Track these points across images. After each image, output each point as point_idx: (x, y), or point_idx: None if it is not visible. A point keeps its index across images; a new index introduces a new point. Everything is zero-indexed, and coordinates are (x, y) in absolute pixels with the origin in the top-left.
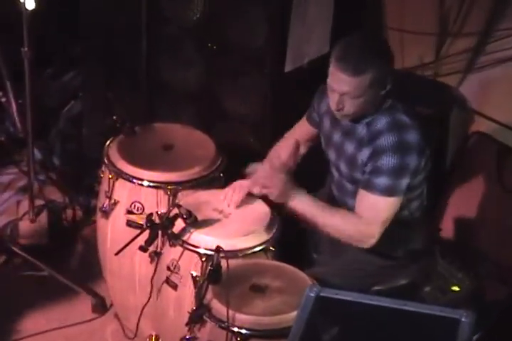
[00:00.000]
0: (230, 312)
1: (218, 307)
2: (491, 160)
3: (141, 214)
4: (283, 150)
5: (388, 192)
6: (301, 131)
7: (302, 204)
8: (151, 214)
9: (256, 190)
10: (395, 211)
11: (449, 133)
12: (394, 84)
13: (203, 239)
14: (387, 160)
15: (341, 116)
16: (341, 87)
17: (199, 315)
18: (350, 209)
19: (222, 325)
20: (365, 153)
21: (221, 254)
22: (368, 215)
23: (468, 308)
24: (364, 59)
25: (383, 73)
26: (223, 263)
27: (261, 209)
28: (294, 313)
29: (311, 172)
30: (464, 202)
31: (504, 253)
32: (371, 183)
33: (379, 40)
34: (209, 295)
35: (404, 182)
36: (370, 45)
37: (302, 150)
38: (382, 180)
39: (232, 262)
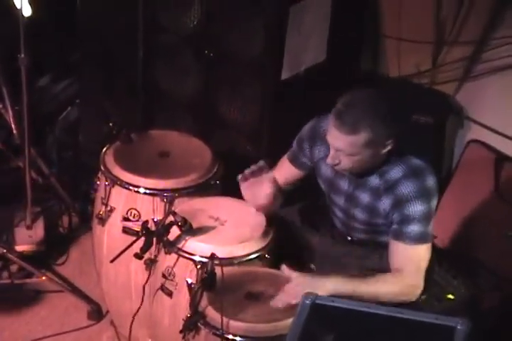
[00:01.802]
0: (225, 319)
1: (213, 315)
2: (488, 169)
3: (137, 221)
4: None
5: (422, 239)
6: (286, 172)
7: (337, 290)
8: (146, 222)
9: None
10: (429, 256)
11: (445, 142)
12: (399, 138)
13: (198, 247)
14: (415, 208)
15: (340, 170)
16: (336, 143)
17: (193, 322)
18: (358, 238)
19: (217, 333)
20: (386, 202)
21: (216, 261)
22: (410, 268)
23: (464, 316)
24: (360, 119)
25: (381, 135)
26: (218, 270)
27: (256, 216)
28: (289, 321)
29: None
30: (461, 209)
31: (500, 262)
32: (404, 233)
33: (382, 99)
34: (204, 302)
35: (431, 226)
36: (371, 106)
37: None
38: (414, 228)
39: (227, 270)
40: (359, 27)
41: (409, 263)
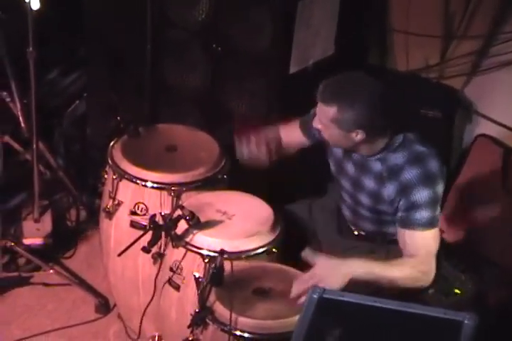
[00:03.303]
0: (233, 315)
1: (221, 311)
2: (496, 163)
3: (144, 215)
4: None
5: (430, 224)
6: (292, 135)
7: (357, 273)
8: (154, 216)
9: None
10: (439, 241)
11: (453, 136)
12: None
13: (206, 241)
14: (420, 194)
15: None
16: (317, 106)
17: (202, 317)
18: (365, 231)
19: (225, 329)
20: (390, 189)
21: (224, 256)
22: (421, 253)
23: (471, 311)
24: (334, 95)
25: (346, 119)
26: (227, 265)
27: (264, 210)
28: (297, 317)
29: (312, 176)
30: (468, 204)
31: (508, 257)
32: (412, 220)
33: (375, 91)
34: (212, 297)
35: (439, 210)
36: (354, 89)
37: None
38: (422, 214)
39: (236, 265)
40: (367, 21)
41: (421, 249)
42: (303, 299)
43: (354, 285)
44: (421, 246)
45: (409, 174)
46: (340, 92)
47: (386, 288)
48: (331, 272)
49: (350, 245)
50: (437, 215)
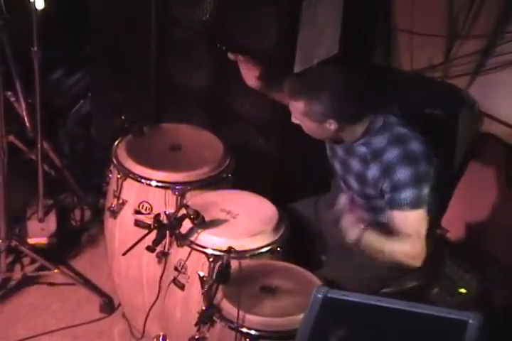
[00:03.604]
0: (240, 312)
1: (228, 308)
2: (500, 162)
3: (149, 214)
4: None
5: (416, 204)
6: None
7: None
8: (158, 215)
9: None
10: (426, 222)
11: (457, 135)
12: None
13: (211, 240)
14: (402, 174)
15: None
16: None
17: (209, 315)
18: (363, 220)
19: (232, 326)
20: (373, 170)
21: (232, 254)
22: (409, 232)
23: (476, 310)
24: (300, 89)
25: (315, 111)
26: (233, 263)
27: (268, 209)
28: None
29: (316, 175)
30: (473, 204)
31: None
32: (396, 201)
33: (342, 79)
34: (219, 295)
35: (426, 190)
36: (318, 81)
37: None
38: (405, 194)
39: (243, 263)
40: (372, 20)
41: (410, 228)
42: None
43: (358, 283)
44: (410, 227)
45: (391, 154)
46: (305, 86)
47: (380, 259)
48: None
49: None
50: (424, 195)
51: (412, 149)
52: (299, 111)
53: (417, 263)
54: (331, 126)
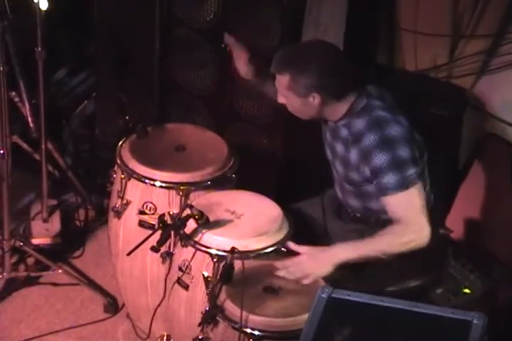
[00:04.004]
0: (244, 313)
1: (232, 308)
2: (504, 162)
3: (153, 214)
4: None
5: (403, 185)
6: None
7: (349, 254)
8: (163, 215)
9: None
10: (422, 196)
11: (461, 135)
12: (338, 91)
13: (215, 240)
14: (379, 159)
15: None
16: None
17: (212, 315)
18: (354, 209)
19: (235, 326)
20: (354, 154)
21: (235, 255)
22: (407, 215)
23: (480, 310)
24: (285, 62)
25: (300, 83)
26: (237, 263)
27: (273, 210)
28: (307, 315)
29: (320, 175)
30: (477, 204)
31: None
32: (382, 186)
33: (326, 52)
34: (223, 295)
35: (410, 171)
36: (302, 53)
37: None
38: (388, 178)
39: (246, 263)
40: (376, 20)
41: (404, 211)
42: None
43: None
44: (403, 209)
45: (368, 140)
46: (290, 60)
47: (385, 257)
48: (316, 261)
49: (349, 228)
50: (409, 175)
51: (389, 133)
52: (283, 86)
53: (422, 242)
54: (315, 99)
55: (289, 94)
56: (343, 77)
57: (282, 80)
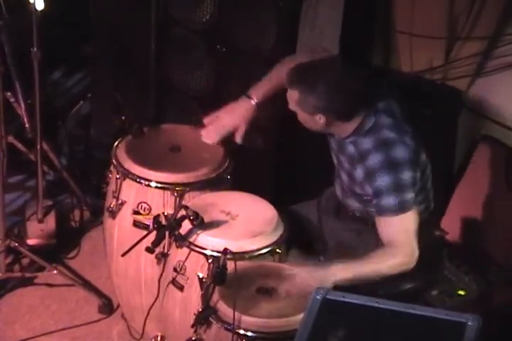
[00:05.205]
0: (237, 314)
1: (224, 310)
2: (499, 164)
3: (147, 214)
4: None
5: (400, 209)
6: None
7: (340, 279)
8: (158, 216)
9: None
10: (417, 221)
11: (457, 137)
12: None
13: (210, 241)
14: (382, 180)
15: None
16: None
17: (205, 316)
18: (353, 210)
19: (228, 327)
20: (359, 172)
21: (228, 256)
22: (400, 238)
23: (475, 312)
24: (298, 78)
25: (308, 102)
26: (230, 265)
27: (268, 211)
28: (301, 316)
29: (315, 176)
30: (472, 205)
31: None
32: (381, 207)
33: (342, 75)
34: (215, 297)
35: (409, 195)
36: (318, 73)
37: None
38: (388, 201)
39: (239, 264)
40: (372, 22)
41: (398, 234)
42: None
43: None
44: (396, 231)
45: (373, 160)
46: (302, 77)
47: (374, 279)
48: (312, 286)
49: (346, 227)
50: (408, 199)
51: (395, 156)
52: (293, 100)
53: (409, 267)
54: (321, 120)
55: (297, 108)
56: (352, 98)
57: (292, 95)
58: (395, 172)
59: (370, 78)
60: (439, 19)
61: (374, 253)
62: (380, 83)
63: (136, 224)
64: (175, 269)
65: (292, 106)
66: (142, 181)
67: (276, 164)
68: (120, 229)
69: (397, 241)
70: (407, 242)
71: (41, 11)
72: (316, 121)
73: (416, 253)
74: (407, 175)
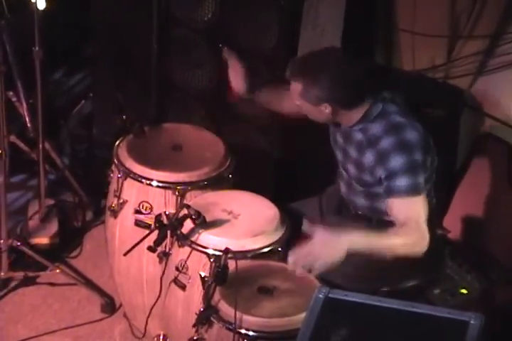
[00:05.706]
0: (238, 313)
1: (226, 309)
2: (501, 162)
3: (149, 213)
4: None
5: (413, 190)
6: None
7: (354, 246)
8: (159, 215)
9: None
10: (426, 206)
11: (459, 135)
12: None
13: (212, 240)
14: (396, 161)
15: None
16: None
17: (206, 316)
18: (357, 207)
19: (230, 327)
20: (369, 157)
21: (229, 255)
22: (411, 220)
23: (478, 311)
24: (299, 70)
25: (311, 93)
26: (232, 264)
27: (270, 210)
28: (302, 315)
29: (317, 175)
30: (474, 203)
31: None
32: (393, 188)
33: (344, 64)
34: (217, 296)
35: (422, 178)
36: (320, 64)
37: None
38: (401, 181)
39: (241, 263)
40: (374, 21)
41: (410, 217)
42: (299, 270)
43: (357, 282)
44: (409, 213)
45: (385, 142)
46: (304, 68)
47: (386, 255)
48: (328, 248)
49: (348, 226)
50: (421, 182)
51: (407, 138)
52: (296, 92)
53: (421, 249)
54: (326, 109)
55: (301, 100)
56: (356, 87)
57: (295, 87)
58: (408, 154)
59: (372, 67)
60: (441, 17)
61: (389, 231)
62: (382, 83)
63: (138, 223)
64: (177, 268)
65: (296, 98)
66: (144, 180)
67: (278, 163)
68: (122, 228)
69: (410, 222)
70: (419, 224)
71: (43, 10)
72: (322, 112)
73: (427, 238)
74: (419, 157)
